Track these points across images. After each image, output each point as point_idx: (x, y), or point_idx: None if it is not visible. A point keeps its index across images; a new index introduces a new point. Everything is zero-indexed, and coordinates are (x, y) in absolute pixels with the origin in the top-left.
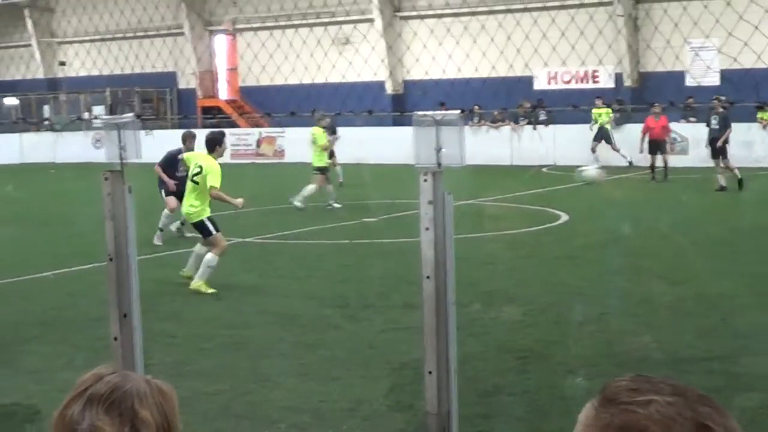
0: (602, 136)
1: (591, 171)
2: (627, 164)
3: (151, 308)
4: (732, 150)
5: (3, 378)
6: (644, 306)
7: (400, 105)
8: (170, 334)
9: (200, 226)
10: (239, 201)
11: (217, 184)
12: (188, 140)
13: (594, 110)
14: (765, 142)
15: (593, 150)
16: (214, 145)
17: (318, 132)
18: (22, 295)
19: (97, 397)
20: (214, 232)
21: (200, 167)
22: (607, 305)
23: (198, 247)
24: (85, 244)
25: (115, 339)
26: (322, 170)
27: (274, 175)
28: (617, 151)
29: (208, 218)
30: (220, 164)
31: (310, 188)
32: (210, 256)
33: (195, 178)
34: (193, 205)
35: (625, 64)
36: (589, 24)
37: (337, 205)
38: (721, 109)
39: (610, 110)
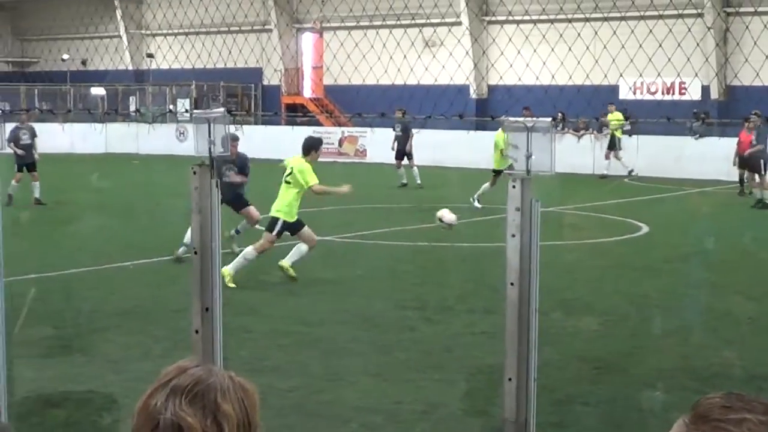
0: (611, 143)
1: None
2: (627, 173)
3: (229, 302)
4: None
5: (81, 365)
6: (724, 321)
7: (483, 109)
8: (247, 329)
9: (271, 222)
10: (345, 189)
11: (315, 180)
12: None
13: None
14: None
15: (606, 157)
16: (310, 149)
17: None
18: (103, 283)
19: (181, 388)
20: (272, 233)
21: (291, 169)
22: (685, 318)
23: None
24: (165, 236)
25: (197, 332)
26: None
27: (355, 175)
28: (618, 159)
29: (284, 222)
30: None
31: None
32: (249, 249)
33: (287, 179)
34: (282, 204)
35: (713, 76)
36: (679, 35)
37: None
38: (760, 125)
39: (621, 117)
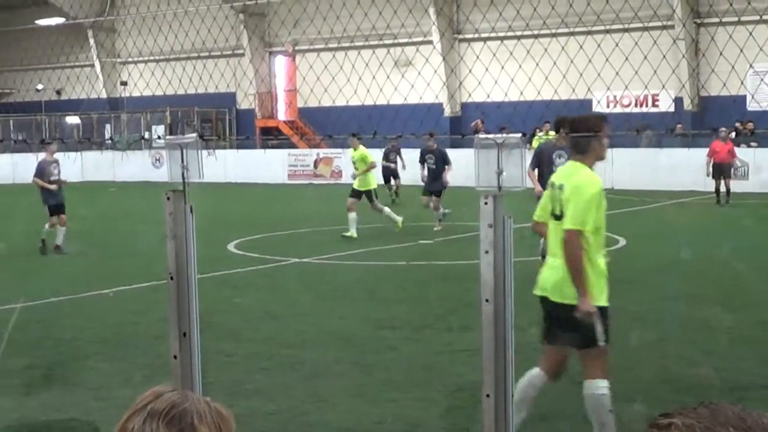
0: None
1: None
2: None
3: (210, 327)
4: None
5: (62, 394)
6: (703, 332)
7: (457, 127)
8: (228, 353)
9: None
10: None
11: None
12: None
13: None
14: None
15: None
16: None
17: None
18: (83, 312)
19: (158, 412)
20: None
21: None
22: (665, 331)
23: None
24: (144, 262)
25: (175, 357)
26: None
27: (332, 196)
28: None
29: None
30: None
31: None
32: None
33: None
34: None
35: (686, 88)
36: (651, 48)
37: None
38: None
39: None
